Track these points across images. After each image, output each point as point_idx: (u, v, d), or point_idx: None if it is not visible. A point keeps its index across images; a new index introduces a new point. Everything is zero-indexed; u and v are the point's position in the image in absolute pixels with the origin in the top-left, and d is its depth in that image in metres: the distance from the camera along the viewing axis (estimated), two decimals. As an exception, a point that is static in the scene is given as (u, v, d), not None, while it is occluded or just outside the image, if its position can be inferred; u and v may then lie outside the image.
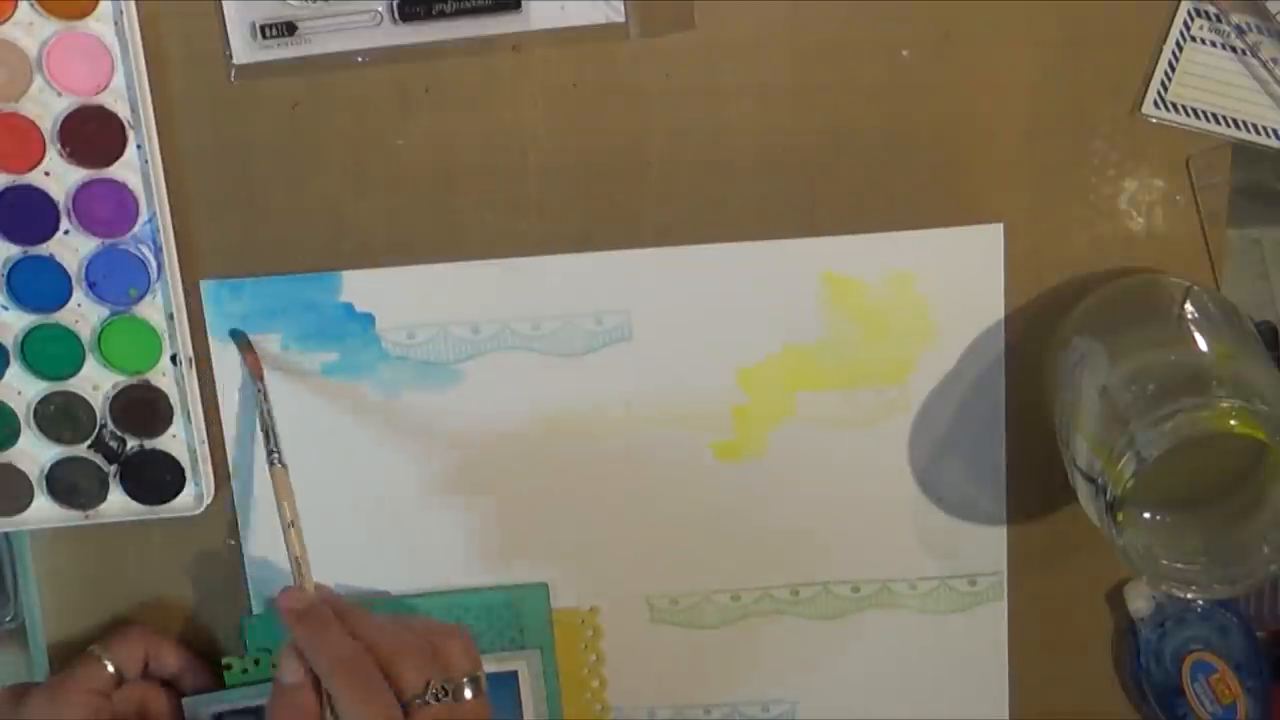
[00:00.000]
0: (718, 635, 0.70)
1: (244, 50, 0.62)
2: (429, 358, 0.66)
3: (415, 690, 0.58)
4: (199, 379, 0.65)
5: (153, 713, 0.66)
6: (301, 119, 0.63)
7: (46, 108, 0.61)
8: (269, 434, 0.64)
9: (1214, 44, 0.62)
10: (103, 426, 0.65)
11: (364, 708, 0.56)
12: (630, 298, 0.65)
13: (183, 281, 0.64)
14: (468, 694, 0.60)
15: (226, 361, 0.66)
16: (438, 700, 0.58)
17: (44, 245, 0.63)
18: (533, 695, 0.70)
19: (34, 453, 0.65)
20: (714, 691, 0.71)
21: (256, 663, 0.69)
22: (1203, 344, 0.59)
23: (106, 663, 0.65)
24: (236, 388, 0.66)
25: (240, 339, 0.65)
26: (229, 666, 0.69)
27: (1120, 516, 0.56)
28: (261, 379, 0.65)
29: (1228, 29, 0.61)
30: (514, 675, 0.70)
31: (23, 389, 0.65)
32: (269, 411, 0.64)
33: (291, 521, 0.62)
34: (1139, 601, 0.69)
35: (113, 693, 0.65)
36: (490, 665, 0.69)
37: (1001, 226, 0.64)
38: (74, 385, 0.65)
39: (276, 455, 0.63)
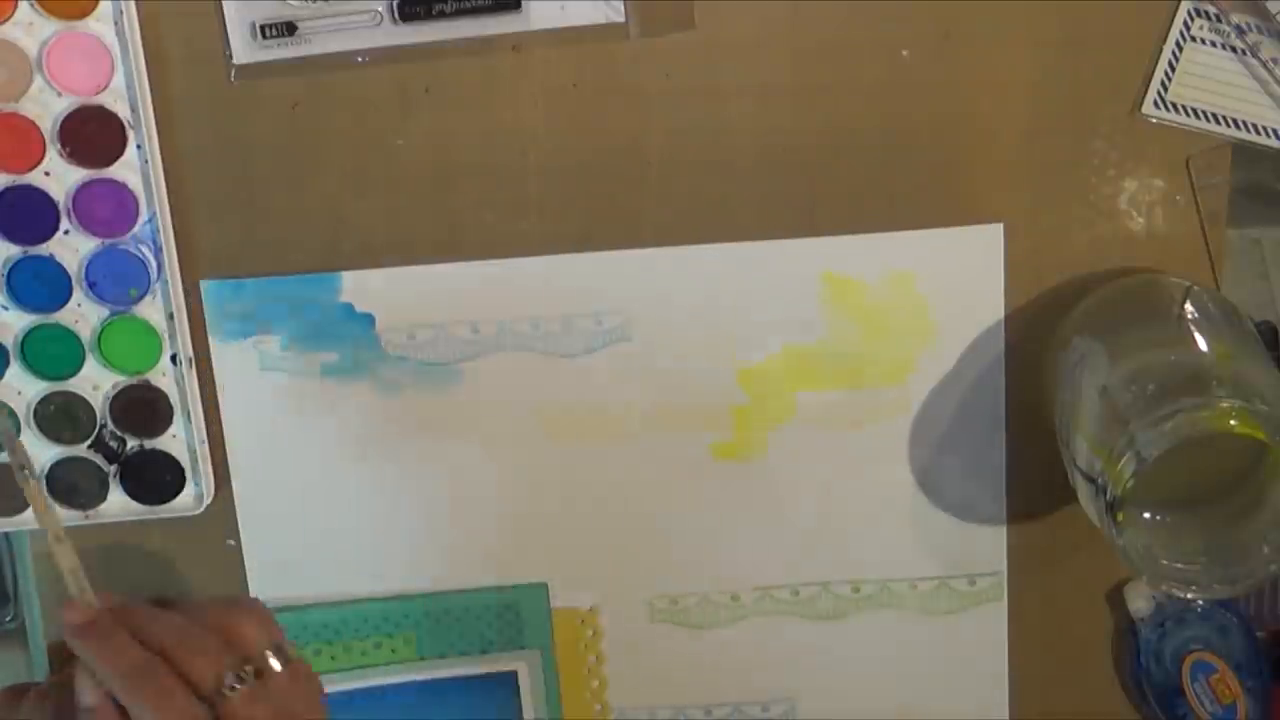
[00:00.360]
0: (718, 635, 0.70)
1: (244, 50, 0.62)
2: (429, 358, 0.66)
3: (213, 683, 0.54)
4: (199, 379, 0.65)
5: (152, 712, 0.66)
6: (301, 119, 0.63)
7: (46, 108, 0.61)
8: (13, 447, 0.60)
9: (1214, 44, 0.62)
10: (103, 426, 0.65)
11: (163, 715, 0.53)
12: (630, 298, 0.65)
13: (183, 281, 0.64)
14: (275, 665, 0.56)
15: (226, 361, 0.66)
16: (241, 684, 0.54)
17: (44, 245, 0.63)
18: (532, 695, 0.70)
19: (34, 453, 0.65)
20: (714, 691, 0.71)
21: (256, 663, 0.69)
22: (1203, 344, 0.59)
23: (105, 662, 0.65)
24: (237, 387, 0.66)
25: (14, 422, 0.65)
26: (229, 666, 0.69)
27: (1120, 516, 0.56)
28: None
29: (1228, 29, 0.61)
30: (514, 675, 0.70)
31: (23, 389, 0.65)
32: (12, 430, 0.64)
33: (59, 536, 0.58)
34: (1139, 601, 0.69)
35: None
36: (490, 665, 0.69)
37: (1001, 226, 0.64)
38: (74, 385, 0.65)
39: (28, 470, 0.59)
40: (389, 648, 0.69)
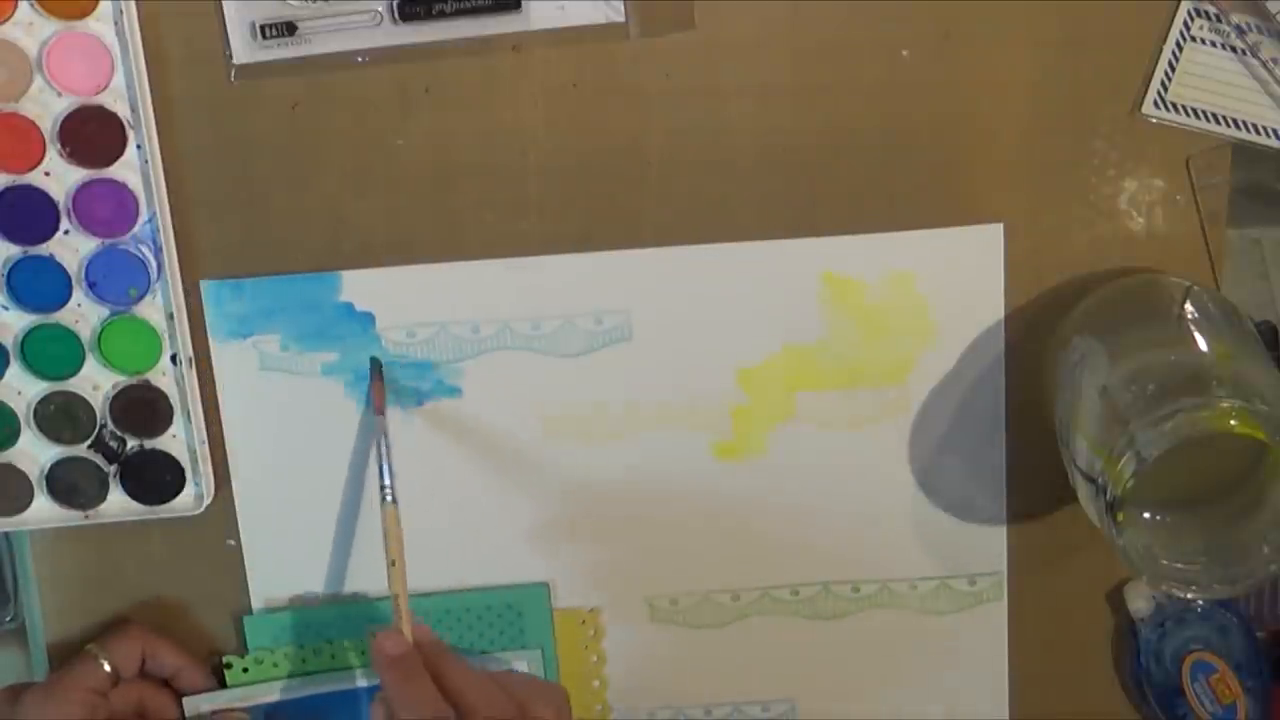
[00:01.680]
0: (718, 635, 0.70)
1: (244, 50, 0.62)
2: (429, 358, 0.66)
3: None
4: (199, 379, 0.65)
5: (150, 712, 0.67)
6: (301, 119, 0.63)
7: (46, 108, 0.61)
8: (384, 470, 0.63)
9: (1214, 44, 0.62)
10: (103, 426, 0.65)
11: None
12: (630, 298, 0.65)
13: (183, 281, 0.64)
14: None
15: (226, 361, 0.66)
16: None
17: (44, 245, 0.63)
18: (533, 695, 0.70)
19: (34, 453, 0.65)
20: (714, 691, 0.71)
21: (258, 662, 0.69)
22: (1203, 344, 0.59)
23: (103, 661, 0.65)
24: (237, 387, 0.66)
25: (375, 367, 0.65)
26: (229, 666, 0.69)
27: (1120, 516, 0.56)
28: (383, 413, 0.64)
29: (1228, 29, 0.61)
30: (514, 675, 0.70)
31: (23, 389, 0.65)
32: (387, 448, 0.63)
33: (394, 560, 0.62)
34: (1139, 601, 0.69)
35: (110, 691, 0.65)
36: (491, 665, 0.69)
37: (1001, 226, 0.64)
38: (74, 385, 0.65)
39: (390, 492, 0.63)
40: (389, 648, 0.69)
